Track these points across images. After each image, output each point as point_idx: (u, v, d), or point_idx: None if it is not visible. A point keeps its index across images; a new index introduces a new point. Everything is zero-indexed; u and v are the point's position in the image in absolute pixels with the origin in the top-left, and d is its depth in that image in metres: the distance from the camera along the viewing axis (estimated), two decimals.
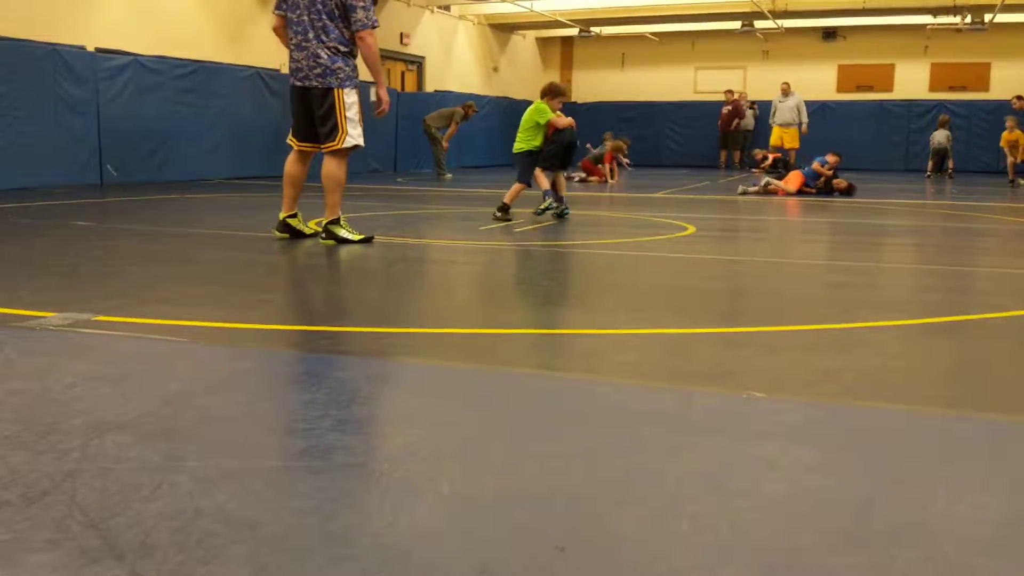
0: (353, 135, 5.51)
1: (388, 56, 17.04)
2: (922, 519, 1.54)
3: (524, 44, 22.36)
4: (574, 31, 20.65)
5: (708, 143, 19.91)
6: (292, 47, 5.47)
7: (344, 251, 5.32)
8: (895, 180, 14.75)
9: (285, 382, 2.43)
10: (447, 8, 18.59)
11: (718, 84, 20.71)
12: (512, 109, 20.72)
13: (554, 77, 23.29)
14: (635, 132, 20.70)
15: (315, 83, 5.42)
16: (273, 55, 13.49)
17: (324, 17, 5.33)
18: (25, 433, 1.88)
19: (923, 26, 18.87)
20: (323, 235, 5.61)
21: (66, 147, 10.09)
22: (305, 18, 5.36)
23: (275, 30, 5.64)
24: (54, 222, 6.52)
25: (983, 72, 19.59)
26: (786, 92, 18.14)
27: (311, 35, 5.36)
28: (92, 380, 2.31)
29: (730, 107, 19.39)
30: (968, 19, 17.27)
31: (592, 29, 20.38)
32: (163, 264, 4.75)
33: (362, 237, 5.55)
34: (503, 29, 20.95)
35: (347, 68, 5.47)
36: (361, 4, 5.34)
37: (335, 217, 5.55)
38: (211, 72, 12.03)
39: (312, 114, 5.51)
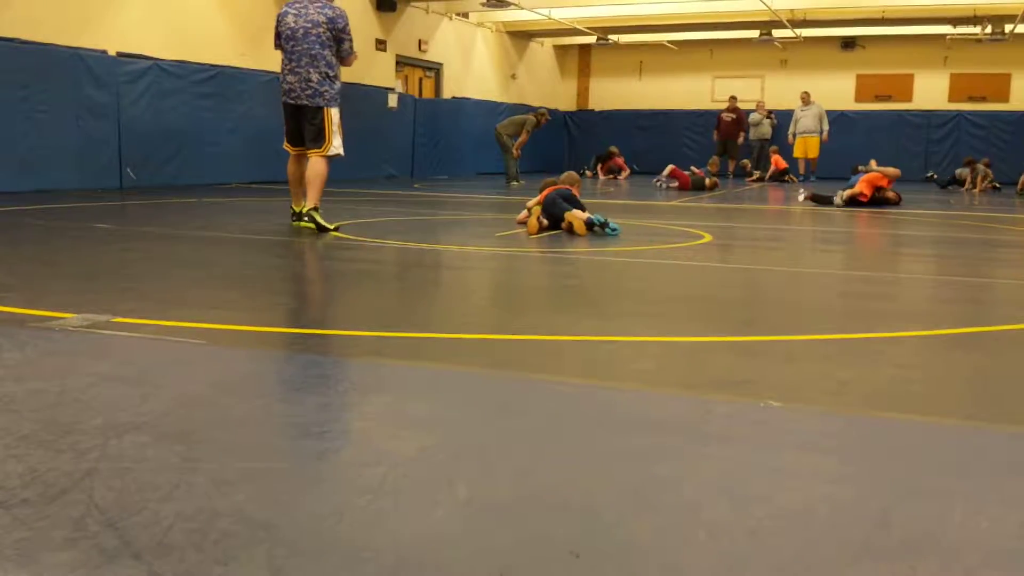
0: (336, 145, 6.57)
1: (406, 63, 17.11)
2: (941, 531, 1.53)
3: (542, 52, 22.39)
4: (592, 39, 20.66)
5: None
6: (287, 72, 6.47)
7: (360, 255, 5.34)
8: (914, 190, 14.66)
9: (301, 385, 2.44)
10: (465, 15, 18.65)
11: (736, 93, 20.68)
12: None
13: (572, 85, 23.36)
14: (652, 140, 20.73)
15: (305, 102, 6.45)
16: None
17: (317, 46, 6.35)
18: (44, 432, 1.90)
19: (943, 36, 18.77)
20: (305, 218, 6.53)
21: (87, 150, 10.18)
22: (300, 47, 6.37)
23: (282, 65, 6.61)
24: (74, 224, 6.57)
25: (1003, 83, 19.48)
26: (806, 101, 18.08)
27: (304, 61, 6.38)
28: (111, 381, 2.33)
29: (733, 115, 19.05)
30: (988, 29, 17.18)
31: (610, 37, 20.38)
32: (182, 267, 4.77)
33: (334, 227, 6.51)
34: (521, 36, 20.99)
35: (332, 90, 6.49)
36: (348, 38, 6.49)
37: (316, 206, 6.49)
38: (230, 77, 12.11)
39: (302, 125, 6.56)
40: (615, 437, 2.00)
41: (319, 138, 6.49)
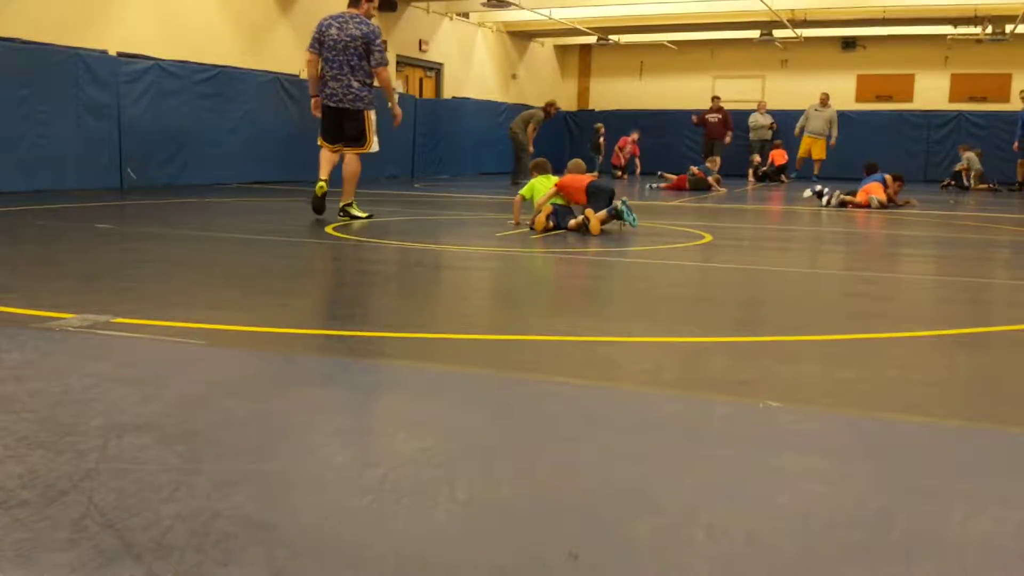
0: (375, 143, 7.46)
1: (407, 63, 17.11)
2: (940, 531, 1.53)
3: (542, 52, 22.40)
4: (592, 39, 20.67)
5: (726, 152, 19.81)
6: (329, 78, 7.24)
7: (361, 255, 5.34)
8: (916, 190, 14.66)
9: (302, 385, 2.44)
10: (466, 15, 18.65)
11: (736, 93, 20.67)
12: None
13: (572, 85, 23.36)
14: (652, 140, 20.72)
15: (347, 106, 7.27)
16: (292, 61, 13.58)
17: (355, 58, 7.18)
18: (44, 433, 1.90)
19: (943, 36, 18.78)
20: (340, 214, 7.40)
21: (87, 150, 10.18)
22: (341, 58, 7.18)
23: (308, 64, 7.38)
24: (75, 224, 6.57)
25: (1004, 83, 19.49)
26: (824, 103, 18.00)
27: (346, 70, 7.19)
28: (111, 381, 2.33)
29: (719, 115, 18.77)
30: (989, 29, 17.18)
31: (610, 37, 20.39)
32: (182, 267, 4.78)
33: (367, 215, 7.52)
34: (522, 36, 21.00)
35: (370, 95, 7.36)
36: (378, 48, 7.22)
37: (350, 202, 7.46)
38: (231, 77, 12.11)
39: (342, 126, 7.32)
40: (615, 437, 2.00)
41: (361, 138, 7.37)
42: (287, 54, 13.52)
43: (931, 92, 20.04)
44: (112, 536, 1.41)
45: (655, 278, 4.94)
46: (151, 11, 11.26)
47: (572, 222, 6.68)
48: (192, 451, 1.81)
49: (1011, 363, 3.03)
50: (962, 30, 17.82)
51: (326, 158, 7.40)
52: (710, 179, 14.35)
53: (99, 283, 4.17)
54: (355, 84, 7.19)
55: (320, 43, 7.23)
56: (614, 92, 22.73)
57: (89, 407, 2.09)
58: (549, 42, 22.30)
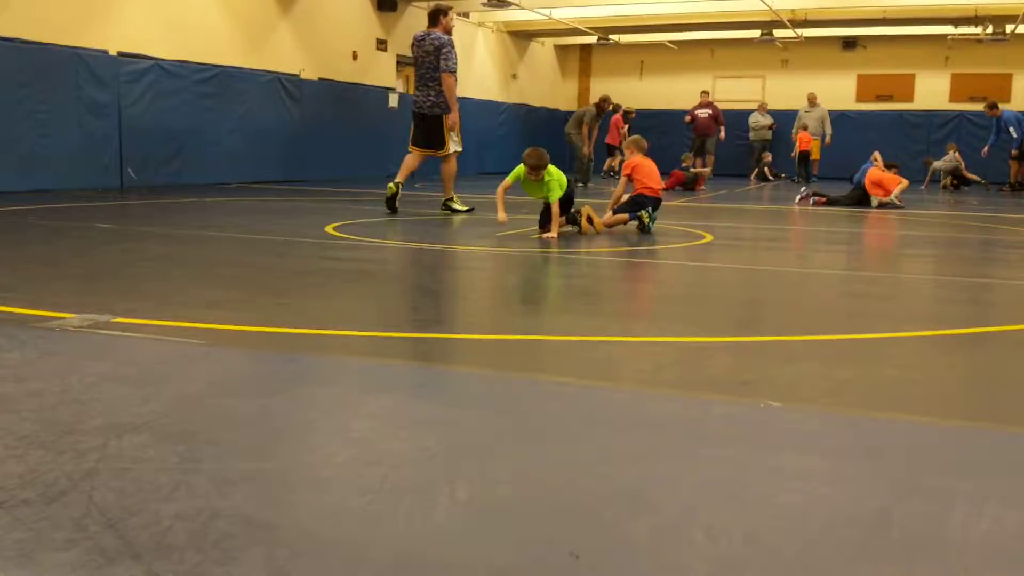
0: (452, 144, 8.48)
1: (407, 62, 17.06)
2: (940, 531, 1.53)
3: (543, 51, 22.38)
4: (593, 39, 20.65)
5: (726, 151, 19.80)
6: (416, 89, 8.46)
7: (361, 255, 5.34)
8: (915, 190, 14.66)
9: (302, 385, 2.44)
10: (466, 15, 18.64)
11: (737, 93, 20.65)
12: (531, 116, 20.78)
13: (572, 84, 23.35)
14: (653, 140, 20.68)
15: (427, 111, 8.40)
16: (292, 61, 13.57)
17: (431, 70, 8.31)
18: (44, 433, 1.90)
19: (944, 36, 18.75)
20: (441, 208, 8.59)
21: (88, 150, 10.18)
22: (421, 71, 8.39)
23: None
24: (75, 224, 6.57)
25: (1004, 83, 19.46)
26: (812, 102, 17.99)
27: (423, 81, 8.37)
28: (111, 381, 2.33)
29: (709, 111, 18.39)
30: (989, 29, 17.17)
31: (611, 37, 20.37)
32: (182, 267, 4.78)
33: (467, 208, 8.51)
34: (522, 36, 20.98)
35: (448, 102, 8.33)
36: (444, 55, 8.25)
37: (450, 197, 8.57)
38: (231, 77, 12.11)
39: (424, 131, 8.46)
40: (615, 437, 2.00)
41: (440, 143, 8.46)
42: (287, 54, 13.51)
43: (931, 92, 20.01)
44: (112, 536, 1.41)
45: (655, 278, 4.94)
46: (151, 11, 11.25)
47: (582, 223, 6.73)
48: (192, 451, 1.81)
49: (1011, 363, 3.02)
50: (962, 30, 17.80)
51: (407, 163, 8.49)
52: (699, 172, 14.35)
53: (99, 283, 4.17)
54: (432, 93, 8.32)
55: (414, 58, 8.51)
56: (614, 92, 22.59)
57: (89, 407, 2.09)
58: (549, 42, 22.28)
